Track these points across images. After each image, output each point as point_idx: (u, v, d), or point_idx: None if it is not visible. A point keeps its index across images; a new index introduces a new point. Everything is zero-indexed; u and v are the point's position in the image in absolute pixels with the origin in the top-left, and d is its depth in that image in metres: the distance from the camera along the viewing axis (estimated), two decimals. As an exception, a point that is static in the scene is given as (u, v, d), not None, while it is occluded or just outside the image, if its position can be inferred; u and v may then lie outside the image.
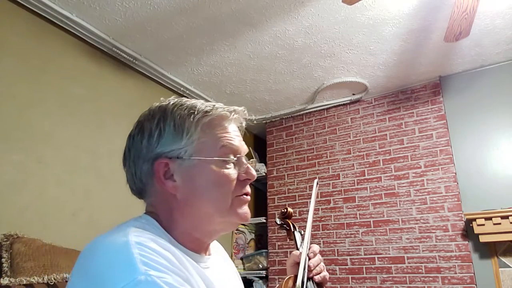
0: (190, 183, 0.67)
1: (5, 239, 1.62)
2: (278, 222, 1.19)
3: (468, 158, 2.76)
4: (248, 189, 0.74)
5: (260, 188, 3.83)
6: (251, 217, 3.59)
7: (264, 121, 3.71)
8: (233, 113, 0.72)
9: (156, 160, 0.67)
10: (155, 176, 0.67)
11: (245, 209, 0.73)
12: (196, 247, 0.70)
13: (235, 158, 0.70)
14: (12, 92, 1.94)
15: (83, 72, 2.34)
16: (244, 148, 0.74)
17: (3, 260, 1.55)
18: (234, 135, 0.72)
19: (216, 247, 0.86)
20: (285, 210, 1.19)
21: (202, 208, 0.67)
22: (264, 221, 3.46)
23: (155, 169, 0.67)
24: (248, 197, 0.74)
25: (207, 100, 3.33)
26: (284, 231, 1.20)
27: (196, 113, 0.68)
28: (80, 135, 2.24)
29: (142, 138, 0.68)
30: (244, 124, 0.77)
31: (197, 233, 0.69)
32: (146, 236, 0.57)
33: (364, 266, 2.92)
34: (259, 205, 3.76)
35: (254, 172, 0.74)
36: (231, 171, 0.69)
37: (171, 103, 0.71)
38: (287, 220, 1.19)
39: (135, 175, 0.70)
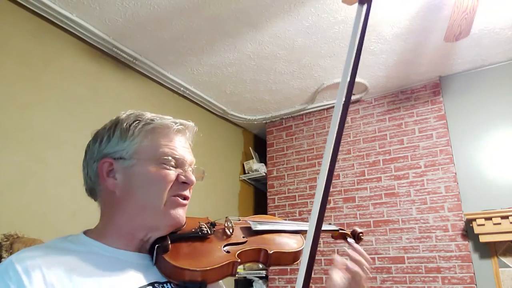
0: (129, 181, 0.74)
1: (5, 239, 1.62)
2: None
3: (468, 158, 2.76)
4: (186, 193, 0.78)
5: (260, 188, 3.83)
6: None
7: (264, 121, 3.71)
8: (177, 124, 0.78)
9: (101, 160, 0.75)
10: (100, 175, 0.76)
11: (179, 212, 0.76)
12: (127, 243, 0.74)
13: (173, 160, 0.76)
14: (12, 92, 1.94)
15: (83, 72, 2.34)
16: (187, 158, 0.79)
17: (3, 260, 1.56)
18: (178, 144, 0.78)
19: None
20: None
21: (137, 202, 0.74)
22: (264, 221, 3.46)
23: (99, 167, 0.75)
24: (185, 201, 0.77)
25: (207, 100, 3.32)
26: None
27: (141, 120, 0.77)
28: (80, 135, 2.23)
29: (95, 143, 0.78)
30: (191, 140, 0.83)
31: (130, 226, 0.74)
32: (25, 252, 0.65)
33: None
34: (259, 205, 3.77)
35: (192, 178, 0.77)
36: (169, 172, 0.75)
37: (124, 114, 0.80)
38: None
39: (87, 175, 0.79)
